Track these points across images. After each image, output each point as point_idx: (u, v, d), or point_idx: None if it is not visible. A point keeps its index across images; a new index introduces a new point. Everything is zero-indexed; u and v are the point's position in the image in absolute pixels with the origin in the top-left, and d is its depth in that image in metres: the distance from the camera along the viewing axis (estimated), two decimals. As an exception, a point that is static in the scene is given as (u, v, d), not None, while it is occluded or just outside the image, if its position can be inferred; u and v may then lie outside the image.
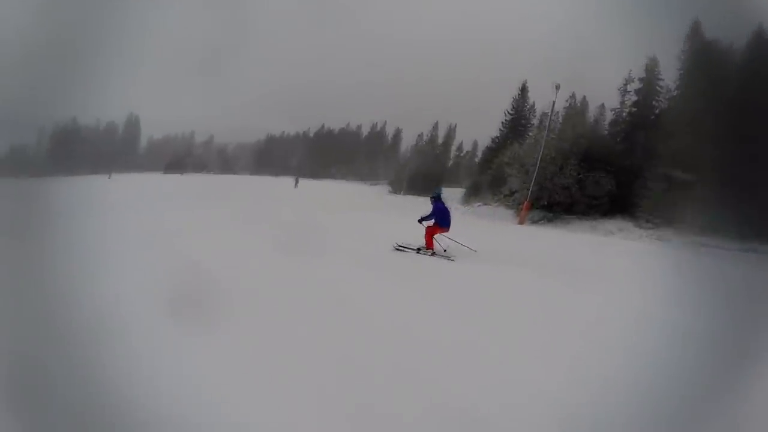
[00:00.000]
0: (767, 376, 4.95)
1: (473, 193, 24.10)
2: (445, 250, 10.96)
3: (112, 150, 30.65)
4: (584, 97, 23.65)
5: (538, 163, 19.06)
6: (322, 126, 35.04)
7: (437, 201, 11.22)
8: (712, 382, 4.95)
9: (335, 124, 34.86)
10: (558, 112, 24.86)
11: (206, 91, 28.89)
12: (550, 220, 19.11)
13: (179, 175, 31.81)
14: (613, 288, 9.05)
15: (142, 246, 10.21)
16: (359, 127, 34.92)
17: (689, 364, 5.35)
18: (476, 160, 31.07)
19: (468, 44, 27.99)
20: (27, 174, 25.73)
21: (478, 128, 29.43)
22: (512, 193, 21.19)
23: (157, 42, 25.51)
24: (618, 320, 7.24)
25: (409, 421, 4.22)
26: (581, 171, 18.78)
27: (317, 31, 30.00)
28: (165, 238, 11.26)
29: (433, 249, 10.91)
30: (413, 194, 27.22)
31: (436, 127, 31.15)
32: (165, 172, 31.99)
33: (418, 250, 11.09)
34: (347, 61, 31.03)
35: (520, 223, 19.18)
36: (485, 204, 22.52)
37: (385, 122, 34.22)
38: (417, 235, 11.56)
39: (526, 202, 19.21)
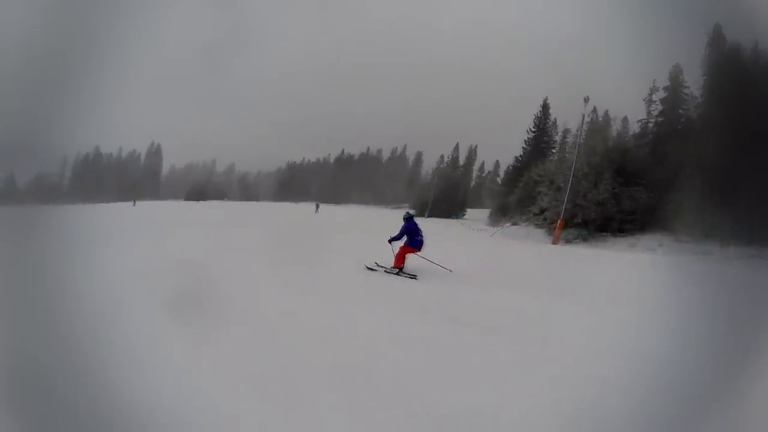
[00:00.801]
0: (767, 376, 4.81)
1: (500, 214, 23.00)
2: (402, 269, 10.76)
3: (134, 178, 30.85)
4: (606, 111, 22.59)
5: (571, 179, 17.92)
6: (342, 151, 34.81)
7: (409, 222, 11.02)
8: (711, 383, 4.83)
9: (355, 149, 34.61)
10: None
11: (227, 119, 29.62)
12: (584, 239, 17.90)
13: (195, 202, 31.52)
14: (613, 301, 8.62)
15: (145, 254, 10.41)
16: (379, 151, 34.61)
17: (689, 366, 5.16)
18: (498, 179, 30.83)
19: (484, 63, 27.77)
20: (50, 201, 25.63)
21: (499, 148, 29.11)
22: (542, 211, 20.10)
23: (178, 72, 26.02)
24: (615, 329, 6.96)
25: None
26: (616, 186, 17.62)
27: (336, 58, 30.07)
28: (168, 249, 11.42)
29: (399, 268, 10.67)
30: (437, 216, 26.51)
31: (456, 148, 30.54)
32: (186, 200, 31.77)
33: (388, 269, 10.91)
34: (366, 86, 31.05)
35: (554, 242, 17.97)
36: (514, 224, 21.38)
37: (405, 146, 33.96)
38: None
39: (559, 221, 18.04)
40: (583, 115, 19.66)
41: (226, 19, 29.20)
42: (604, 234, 17.99)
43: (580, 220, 18.08)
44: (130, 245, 11.78)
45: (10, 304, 5.98)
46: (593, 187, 17.86)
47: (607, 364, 5.43)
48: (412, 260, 10.91)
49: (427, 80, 30.33)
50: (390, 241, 10.88)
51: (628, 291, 9.48)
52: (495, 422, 4.22)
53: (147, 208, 27.95)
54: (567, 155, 21.80)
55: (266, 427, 4.04)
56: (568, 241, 17.92)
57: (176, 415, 4.04)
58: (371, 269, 10.94)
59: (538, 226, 20.02)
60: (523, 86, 25.95)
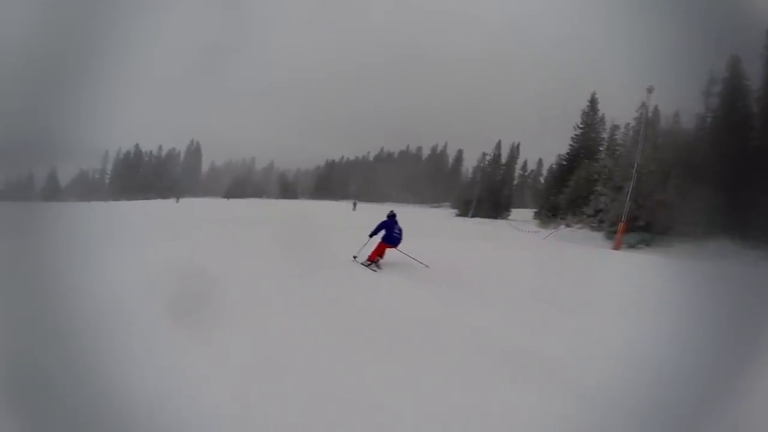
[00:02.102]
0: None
1: (550, 214, 20.99)
2: (375, 262, 10.93)
3: (174, 176, 30.74)
4: (656, 105, 19.94)
5: (635, 177, 15.85)
6: (382, 149, 33.76)
7: (389, 219, 11.23)
8: (712, 383, 4.80)
9: (395, 147, 33.56)
10: (629, 123, 22.33)
11: (267, 119, 29.52)
12: (648, 244, 15.79)
13: (225, 200, 30.93)
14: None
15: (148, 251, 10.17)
16: (419, 149, 33.42)
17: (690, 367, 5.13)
18: (541, 178, 29.28)
19: (525, 58, 26.43)
20: (92, 198, 26.43)
21: (542, 146, 27.31)
22: (597, 212, 18.09)
23: (218, 72, 26.70)
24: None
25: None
26: (684, 185, 15.45)
27: (373, 56, 29.97)
28: (172, 246, 11.18)
29: (372, 261, 10.87)
30: (481, 216, 24.85)
31: (498, 146, 28.59)
32: (223, 197, 31.20)
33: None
34: (404, 83, 30.68)
35: (616, 247, 15.92)
36: (567, 226, 19.38)
37: (446, 143, 32.62)
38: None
39: (621, 224, 15.99)
40: (647, 106, 17.28)
41: (256, 19, 29.01)
42: (668, 238, 15.84)
43: (642, 223, 15.98)
44: (140, 246, 11.10)
45: (13, 303, 5.83)
46: (659, 187, 15.72)
47: (607, 364, 5.25)
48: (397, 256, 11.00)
49: (467, 77, 29.32)
50: (370, 236, 11.10)
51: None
52: (495, 423, 4.14)
53: (179, 206, 27.64)
54: (617, 151, 19.70)
55: (267, 427, 3.95)
56: (630, 246, 15.85)
57: (176, 415, 3.96)
58: (355, 258, 11.13)
59: (594, 228, 18.00)
60: (566, 81, 24.72)
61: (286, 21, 29.59)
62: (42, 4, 11.56)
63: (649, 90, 16.66)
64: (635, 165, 15.94)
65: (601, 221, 17.79)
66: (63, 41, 12.00)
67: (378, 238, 11.03)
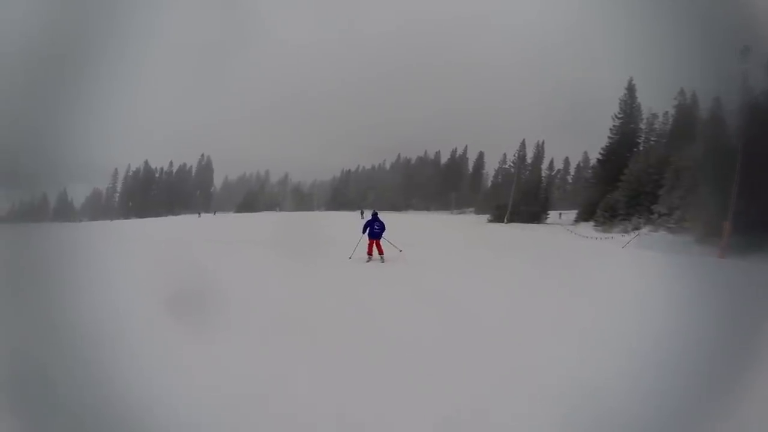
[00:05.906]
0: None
1: (609, 216, 16.16)
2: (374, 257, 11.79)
3: (185, 191, 27.73)
4: (694, 92, 16.95)
5: (739, 163, 10.98)
6: (399, 156, 29.77)
7: (372, 218, 12.05)
8: (712, 383, 4.31)
9: (412, 153, 29.53)
10: (667, 112, 19.12)
11: (280, 131, 26.98)
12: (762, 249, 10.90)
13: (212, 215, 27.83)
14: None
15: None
16: (437, 153, 29.25)
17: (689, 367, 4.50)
18: (569, 177, 25.94)
19: (538, 55, 22.73)
20: (104, 217, 24.91)
21: (562, 143, 24.42)
22: (672, 211, 13.42)
23: (229, 85, 24.49)
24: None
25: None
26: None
27: (387, 66, 26.46)
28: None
29: (369, 255, 11.77)
30: (519, 221, 20.63)
31: (523, 145, 24.64)
32: (236, 212, 27.96)
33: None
34: (417, 88, 27.05)
35: (722, 256, 11.00)
36: (635, 228, 14.60)
37: (466, 147, 28.58)
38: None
39: (726, 224, 11.07)
40: (746, 69, 12.01)
41: (267, 28, 26.35)
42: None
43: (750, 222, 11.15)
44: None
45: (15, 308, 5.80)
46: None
47: (606, 364, 4.56)
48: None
49: (478, 80, 25.51)
50: (363, 232, 11.96)
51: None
52: (494, 422, 3.70)
53: (183, 222, 24.68)
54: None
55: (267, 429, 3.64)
56: (739, 253, 10.94)
57: (176, 416, 3.69)
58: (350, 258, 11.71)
59: (672, 230, 13.21)
60: (578, 74, 21.00)
61: (296, 31, 26.47)
62: (42, 23, 10.48)
63: (743, 52, 11.63)
64: (740, 149, 11.04)
65: (681, 220, 13.07)
66: (62, 61, 11.50)
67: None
